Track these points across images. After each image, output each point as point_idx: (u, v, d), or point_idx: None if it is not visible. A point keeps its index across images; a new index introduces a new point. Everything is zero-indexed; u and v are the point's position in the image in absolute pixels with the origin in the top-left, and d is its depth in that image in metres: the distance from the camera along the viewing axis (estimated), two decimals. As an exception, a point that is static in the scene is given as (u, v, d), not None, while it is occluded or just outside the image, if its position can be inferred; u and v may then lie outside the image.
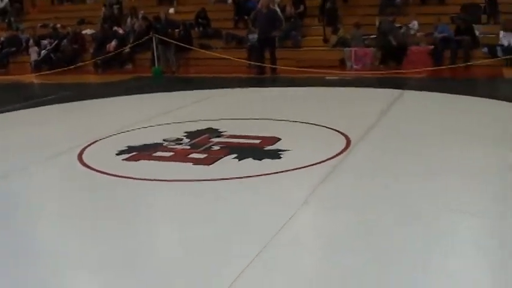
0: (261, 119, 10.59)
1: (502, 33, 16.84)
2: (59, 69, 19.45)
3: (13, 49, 22.14)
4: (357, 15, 19.47)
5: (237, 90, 14.54)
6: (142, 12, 21.71)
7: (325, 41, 18.77)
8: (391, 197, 6.20)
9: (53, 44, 20.94)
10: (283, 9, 19.39)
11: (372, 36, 18.13)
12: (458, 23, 17.50)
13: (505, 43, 16.66)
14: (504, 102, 11.55)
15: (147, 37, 18.89)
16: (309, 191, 6.39)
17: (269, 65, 16.97)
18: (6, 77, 19.79)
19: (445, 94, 12.70)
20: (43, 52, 21.01)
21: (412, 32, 18.12)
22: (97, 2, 24.78)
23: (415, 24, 18.42)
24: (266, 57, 17.22)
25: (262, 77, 16.83)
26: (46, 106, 13.49)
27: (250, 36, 18.52)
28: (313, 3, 20.28)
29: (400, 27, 17.99)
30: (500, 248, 4.86)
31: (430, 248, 4.87)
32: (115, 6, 22.45)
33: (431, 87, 13.69)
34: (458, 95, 12.54)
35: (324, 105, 12.09)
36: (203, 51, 18.82)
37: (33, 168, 8.18)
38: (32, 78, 19.49)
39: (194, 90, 14.66)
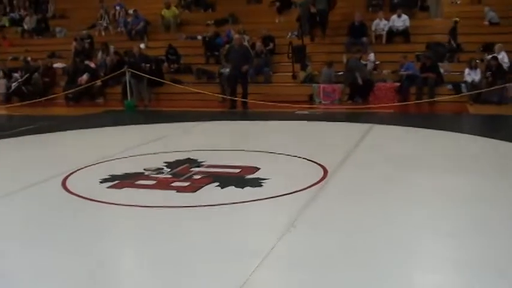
0: (237, 150, 10.86)
1: (466, 70, 17.40)
2: (31, 102, 19.55)
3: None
4: (324, 53, 19.94)
5: (211, 123, 14.80)
6: (113, 47, 21.97)
7: (294, 77, 19.19)
8: (372, 221, 6.53)
9: (24, 77, 21.04)
10: (253, 46, 19.83)
11: (339, 73, 18.59)
12: (423, 60, 18.03)
13: (469, 80, 17.20)
14: (470, 136, 12.03)
15: (119, 71, 19.11)
16: (294, 215, 6.68)
17: (241, 99, 17.28)
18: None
19: (413, 128, 13.12)
20: (14, 84, 21.08)
21: (371, 64, 18.62)
22: (67, 36, 24.97)
23: (372, 56, 18.97)
24: (238, 91, 17.55)
25: (234, 110, 17.12)
26: (21, 137, 13.60)
27: (223, 71, 18.87)
28: (282, 41, 20.73)
29: (366, 65, 18.51)
30: (479, 266, 5.20)
31: (411, 269, 5.20)
32: (86, 41, 22.66)
33: (398, 121, 14.09)
34: (424, 129, 12.97)
35: (297, 138, 12.43)
36: (175, 85, 19.10)
37: (19, 195, 8.34)
38: (3, 110, 19.52)
39: (169, 123, 14.88)
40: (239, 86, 17.44)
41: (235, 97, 17.38)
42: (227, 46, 20.13)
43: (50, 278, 5.37)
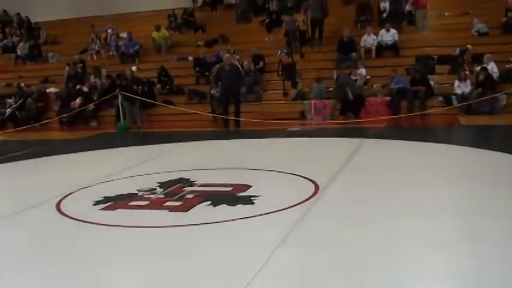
0: (229, 168, 10.96)
1: (456, 82, 17.53)
2: (25, 127, 19.67)
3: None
4: (314, 70, 20.07)
5: (203, 142, 14.89)
6: (105, 70, 22.11)
7: (285, 94, 19.31)
8: (363, 237, 6.60)
9: (18, 103, 21.15)
10: (241, 65, 19.95)
11: (330, 89, 18.71)
12: (413, 74, 18.16)
13: (459, 92, 17.33)
14: (462, 147, 12.12)
15: (111, 94, 19.24)
16: (285, 232, 6.76)
17: (234, 118, 17.36)
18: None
19: (404, 141, 13.23)
20: (8, 110, 21.19)
21: (362, 79, 18.75)
22: (60, 61, 25.15)
23: (362, 71, 19.10)
24: (230, 110, 17.63)
25: (227, 130, 17.21)
26: (16, 161, 13.69)
27: (213, 91, 18.98)
28: (272, 59, 20.88)
29: (356, 80, 18.63)
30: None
31: (403, 284, 5.29)
32: (78, 65, 22.78)
33: (390, 135, 14.20)
34: (416, 142, 13.08)
35: (289, 155, 12.50)
36: (167, 106, 19.21)
37: (13, 218, 8.44)
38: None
39: (161, 144, 14.98)
40: (231, 105, 17.51)
41: (228, 116, 17.45)
42: (217, 66, 20.28)
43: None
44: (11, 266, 6.48)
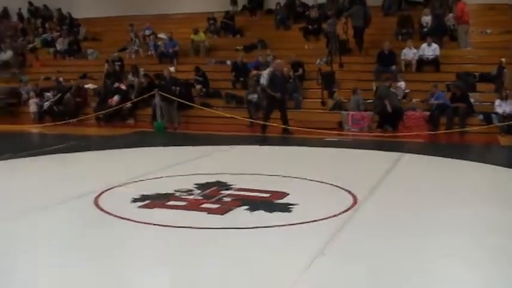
0: (267, 174, 10.89)
1: (497, 101, 17.32)
2: (62, 121, 19.82)
3: (14, 101, 22.63)
4: (352, 80, 19.99)
5: (240, 147, 14.87)
6: (143, 69, 22.21)
7: (323, 103, 19.23)
8: (400, 251, 6.55)
9: (57, 97, 21.31)
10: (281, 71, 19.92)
11: (368, 101, 18.60)
12: (453, 90, 17.98)
13: (500, 111, 17.11)
14: (500, 167, 11.95)
15: (149, 93, 19.32)
16: (323, 242, 6.70)
17: (283, 126, 17.13)
18: (12, 126, 20.12)
19: (443, 158, 13.07)
20: (46, 104, 21.36)
21: (401, 92, 18.59)
22: (98, 58, 25.29)
23: (402, 84, 18.95)
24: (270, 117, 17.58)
25: (265, 135, 17.10)
26: (53, 155, 13.81)
27: (250, 96, 18.96)
28: (311, 67, 20.81)
29: (395, 93, 18.47)
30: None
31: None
32: (117, 63, 22.90)
33: (428, 151, 14.06)
34: (454, 160, 12.91)
35: (327, 164, 12.45)
36: (205, 109, 19.21)
37: (51, 210, 8.49)
38: (36, 129, 19.81)
39: (198, 146, 14.99)
40: (275, 111, 17.39)
41: (268, 122, 17.31)
42: (254, 72, 20.30)
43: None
44: (46, 259, 6.51)
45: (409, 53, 20.45)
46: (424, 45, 20.43)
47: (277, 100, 17.20)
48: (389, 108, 17.16)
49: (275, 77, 17.40)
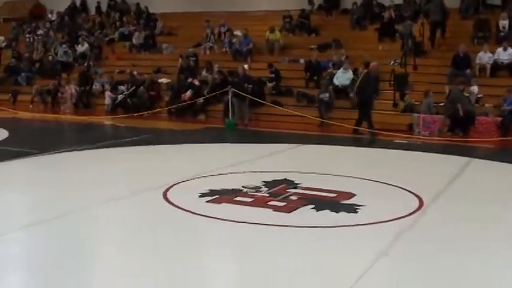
0: (334, 175, 10.96)
1: None
2: (135, 114, 20.24)
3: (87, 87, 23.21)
4: (425, 83, 19.80)
5: (309, 146, 14.94)
6: (217, 66, 22.43)
7: (395, 105, 19.11)
8: (464, 257, 6.58)
9: (130, 90, 21.73)
10: (355, 72, 19.88)
11: (440, 104, 18.39)
12: (527, 96, 17.63)
13: None
14: None
15: (222, 90, 19.54)
16: (388, 244, 6.77)
17: (370, 130, 16.98)
18: (86, 117, 20.67)
19: (514, 165, 12.91)
20: (120, 96, 21.81)
21: (473, 96, 18.30)
22: (173, 53, 25.64)
23: (475, 88, 18.64)
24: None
25: (360, 136, 16.88)
26: (126, 147, 14.17)
27: (322, 96, 18.97)
28: (384, 68, 20.70)
29: (468, 97, 18.19)
30: None
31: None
32: (191, 58, 23.18)
33: (498, 157, 13.83)
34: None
35: (395, 167, 12.41)
36: (276, 107, 19.32)
37: (122, 201, 8.77)
38: (110, 121, 20.30)
39: (268, 144, 15.15)
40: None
41: (361, 124, 17.18)
42: (329, 71, 20.33)
43: (136, 281, 5.74)
44: (113, 249, 6.77)
45: (484, 57, 20.13)
46: (500, 49, 20.07)
47: (368, 102, 17.03)
48: (461, 112, 16.93)
49: (370, 78, 17.27)
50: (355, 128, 17.02)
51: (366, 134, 16.76)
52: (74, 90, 22.69)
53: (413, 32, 21.64)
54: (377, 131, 16.65)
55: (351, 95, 18.97)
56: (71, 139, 15.69)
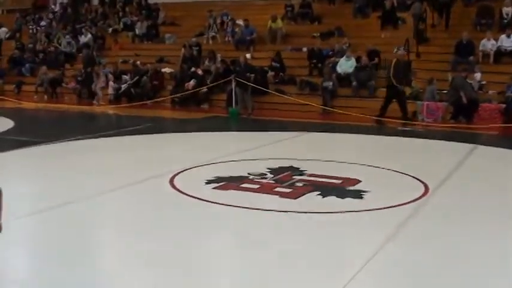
0: (339, 161, 11.01)
1: None
2: (138, 103, 20.31)
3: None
4: (429, 70, 19.79)
5: (313, 134, 14.99)
6: (220, 55, 22.45)
7: (398, 93, 19.12)
8: (471, 241, 6.64)
9: (134, 80, 21.77)
10: (358, 60, 19.89)
11: (443, 91, 18.40)
12: (531, 83, 17.64)
13: None
14: None
15: (225, 79, 19.58)
16: (394, 229, 6.83)
17: (405, 121, 16.87)
18: (89, 107, 20.74)
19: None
20: (124, 86, 21.85)
21: (476, 83, 18.28)
22: (176, 42, 25.64)
23: (478, 75, 18.63)
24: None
25: (381, 125, 16.66)
26: (130, 136, 14.23)
27: (326, 84, 18.99)
28: (387, 55, 20.69)
29: (471, 84, 18.19)
30: None
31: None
32: (194, 48, 23.20)
33: (502, 144, 13.87)
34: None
35: (399, 154, 12.48)
36: (279, 95, 19.34)
37: (129, 189, 8.83)
38: (113, 110, 20.37)
39: (271, 132, 15.19)
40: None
41: (385, 112, 17.09)
42: (332, 59, 20.35)
43: (147, 268, 5.81)
44: (122, 236, 6.84)
45: (487, 44, 20.12)
46: (503, 36, 20.07)
47: (398, 90, 16.90)
48: (464, 100, 16.94)
49: (399, 66, 17.15)
50: (378, 118, 16.89)
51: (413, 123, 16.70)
52: (104, 83, 22.55)
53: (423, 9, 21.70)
54: (382, 119, 16.64)
55: (354, 83, 19.05)
56: (75, 128, 15.70)
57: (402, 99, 17.03)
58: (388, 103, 17.14)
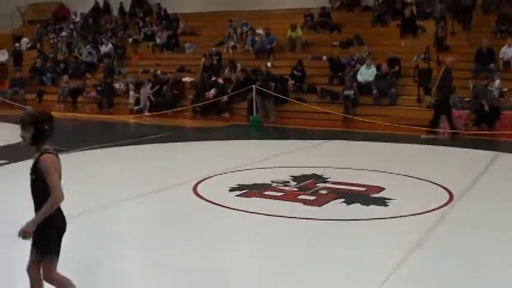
0: (362, 169, 10.97)
1: None
2: (159, 112, 20.40)
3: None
4: (449, 78, 19.72)
5: (335, 142, 14.96)
6: (239, 64, 22.51)
7: (419, 100, 19.06)
8: (497, 248, 6.63)
9: (154, 89, 21.85)
10: (378, 68, 19.87)
11: (465, 99, 18.32)
12: (553, 90, 17.54)
13: None
14: None
15: (245, 88, 19.62)
16: (420, 236, 6.82)
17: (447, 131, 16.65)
18: (112, 116, 20.84)
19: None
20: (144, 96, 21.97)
21: (496, 90, 18.16)
22: (196, 52, 25.74)
23: (497, 82, 18.48)
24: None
25: (436, 137, 16.00)
26: (152, 144, 14.28)
27: (347, 92, 18.98)
28: (407, 63, 20.66)
29: (493, 92, 18.10)
30: None
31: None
32: (214, 57, 23.28)
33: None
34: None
35: (422, 161, 12.41)
36: (299, 103, 19.35)
37: (153, 197, 8.87)
38: (134, 119, 20.47)
39: (293, 140, 15.19)
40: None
41: (438, 123, 16.45)
42: (354, 68, 20.36)
43: (169, 274, 5.84)
44: (146, 243, 6.86)
45: (508, 52, 20.02)
46: (523, 43, 19.98)
47: (448, 100, 16.56)
48: (486, 108, 16.86)
49: (449, 75, 16.82)
50: (431, 129, 16.61)
51: (443, 135, 16.29)
52: (147, 94, 22.48)
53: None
54: (402, 126, 16.51)
55: (374, 91, 19.03)
56: (98, 137, 15.77)
57: (449, 108, 16.63)
58: (442, 112, 16.62)
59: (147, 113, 21.17)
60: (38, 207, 4.43)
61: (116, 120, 20.39)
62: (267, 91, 18.80)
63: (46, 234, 4.45)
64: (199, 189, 9.22)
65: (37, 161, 4.46)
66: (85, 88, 23.94)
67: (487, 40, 20.20)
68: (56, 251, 4.53)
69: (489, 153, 13.05)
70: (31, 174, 4.49)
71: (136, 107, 21.78)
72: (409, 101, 19.15)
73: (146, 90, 21.82)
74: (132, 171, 11.02)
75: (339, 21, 25.85)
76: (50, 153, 4.51)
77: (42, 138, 4.53)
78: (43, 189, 4.41)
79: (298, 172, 10.44)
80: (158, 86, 21.94)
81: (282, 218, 7.69)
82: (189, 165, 11.62)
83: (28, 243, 4.45)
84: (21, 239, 4.35)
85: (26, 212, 4.59)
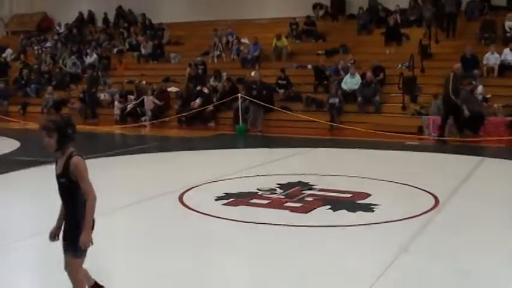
0: (348, 176, 11.00)
1: None
2: (144, 123, 20.36)
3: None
4: (434, 85, 19.79)
5: (321, 149, 14.99)
6: (225, 73, 22.52)
7: (404, 108, 19.14)
8: (483, 252, 6.64)
9: (139, 99, 21.81)
10: (363, 76, 19.94)
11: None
12: (537, 95, 17.65)
13: None
14: None
15: (231, 97, 19.64)
16: (406, 241, 6.84)
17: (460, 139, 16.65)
18: (96, 127, 20.74)
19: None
20: (129, 106, 21.89)
21: (479, 96, 18.24)
22: (181, 62, 25.74)
23: (480, 88, 18.56)
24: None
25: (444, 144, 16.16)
26: (137, 155, 14.25)
27: (332, 100, 19.03)
28: (392, 71, 20.75)
29: (477, 98, 18.17)
30: None
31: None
32: (200, 67, 23.28)
33: (508, 156, 13.85)
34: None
35: (408, 167, 12.45)
36: (285, 112, 19.37)
37: (138, 207, 8.84)
38: (119, 130, 20.41)
39: (279, 148, 15.22)
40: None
41: (445, 128, 16.71)
42: (339, 77, 20.43)
43: (154, 284, 5.81)
44: (131, 254, 6.82)
45: (491, 58, 20.16)
46: (507, 50, 20.11)
47: (455, 105, 16.63)
48: (466, 113, 16.86)
49: (457, 79, 16.87)
50: (440, 138, 16.61)
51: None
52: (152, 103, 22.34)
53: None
54: (387, 133, 16.59)
55: (359, 99, 19.10)
56: (82, 148, 15.63)
57: (459, 113, 16.72)
58: (447, 119, 16.85)
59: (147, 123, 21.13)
60: (69, 207, 4.80)
61: (100, 131, 20.27)
62: (258, 102, 18.82)
63: (78, 234, 4.70)
64: (185, 198, 9.20)
65: (67, 165, 4.69)
66: (70, 99, 23.83)
67: (471, 47, 20.33)
68: (84, 251, 4.75)
69: (474, 158, 13.15)
70: (60, 177, 4.74)
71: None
72: (393, 108, 19.24)
73: (150, 99, 21.67)
74: (117, 181, 10.96)
75: (324, 30, 25.97)
76: (77, 155, 4.77)
77: (67, 142, 4.77)
78: (74, 190, 4.79)
79: (284, 180, 10.44)
80: (143, 97, 21.85)
81: (269, 225, 7.68)
82: (174, 174, 11.60)
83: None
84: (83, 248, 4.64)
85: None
